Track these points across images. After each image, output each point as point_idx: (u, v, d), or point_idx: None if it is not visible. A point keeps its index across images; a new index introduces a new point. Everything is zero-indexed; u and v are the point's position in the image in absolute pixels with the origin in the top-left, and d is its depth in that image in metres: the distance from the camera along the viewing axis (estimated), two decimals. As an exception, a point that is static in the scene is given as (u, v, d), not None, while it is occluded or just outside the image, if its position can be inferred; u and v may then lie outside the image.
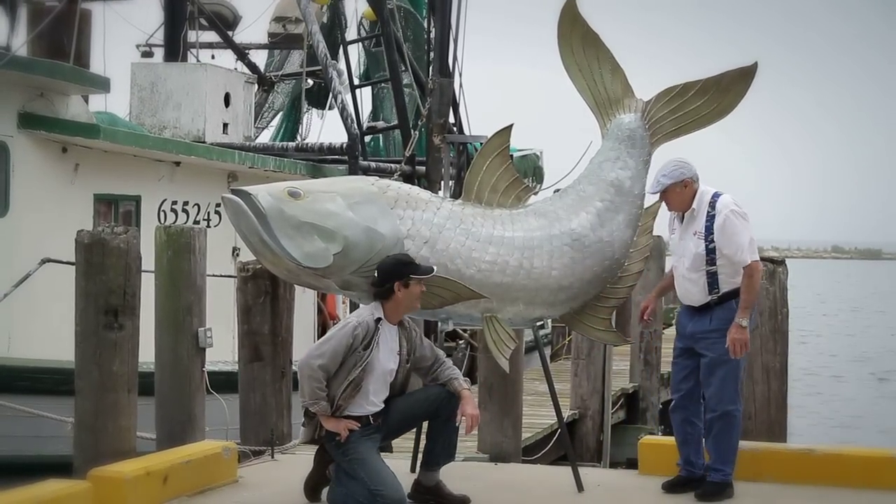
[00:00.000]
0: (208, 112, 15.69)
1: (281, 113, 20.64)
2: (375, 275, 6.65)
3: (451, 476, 7.16)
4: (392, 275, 6.63)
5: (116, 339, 7.81)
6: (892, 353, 37.18)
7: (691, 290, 7.15)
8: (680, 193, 7.15)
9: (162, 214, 13.49)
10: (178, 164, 13.70)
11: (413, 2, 19.54)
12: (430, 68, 16.80)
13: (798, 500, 7.31)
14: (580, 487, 7.42)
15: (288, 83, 20.33)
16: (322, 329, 15.02)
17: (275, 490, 7.45)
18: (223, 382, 9.80)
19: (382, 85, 18.72)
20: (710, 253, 7.04)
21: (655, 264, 13.86)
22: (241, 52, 19.38)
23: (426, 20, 18.58)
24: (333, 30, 18.79)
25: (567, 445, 8.10)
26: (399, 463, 7.32)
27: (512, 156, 7.51)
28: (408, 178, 14.81)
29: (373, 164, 16.08)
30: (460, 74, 17.22)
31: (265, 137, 19.84)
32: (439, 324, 7.61)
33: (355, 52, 19.33)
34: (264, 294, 8.90)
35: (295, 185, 6.77)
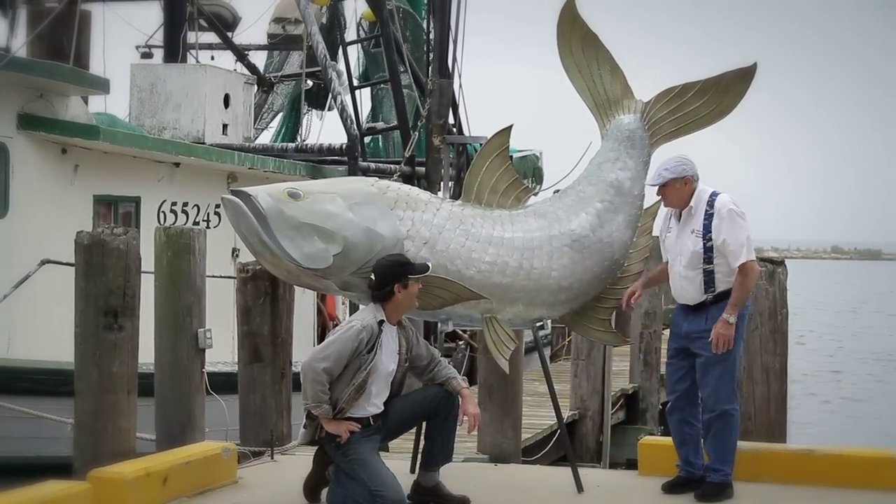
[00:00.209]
0: (208, 113, 15.69)
1: (280, 114, 20.64)
2: (372, 278, 6.65)
3: (451, 477, 7.16)
4: (390, 277, 6.63)
5: (116, 340, 7.82)
6: (892, 354, 37.19)
7: (687, 289, 7.16)
8: (679, 190, 7.16)
9: (161, 215, 13.49)
10: (177, 165, 13.71)
11: (412, 2, 19.53)
12: (430, 69, 16.80)
13: (798, 501, 7.31)
14: (580, 488, 7.41)
15: (287, 84, 20.33)
16: (322, 330, 15.02)
17: (274, 491, 7.45)
18: (223, 383, 9.80)
19: (382, 86, 18.72)
20: (708, 251, 7.05)
21: (655, 265, 13.84)
22: (241, 53, 19.38)
23: (425, 21, 18.58)
24: (333, 31, 18.79)
25: (567, 446, 8.10)
26: (399, 464, 7.32)
27: (511, 156, 7.51)
28: (407, 179, 14.81)
29: (372, 165, 16.09)
30: (460, 75, 17.25)
31: (265, 138, 19.85)
32: (439, 324, 7.61)
33: (354, 53, 19.36)
34: (264, 295, 8.90)
35: (295, 186, 6.76)
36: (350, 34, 18.94)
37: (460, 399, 6.85)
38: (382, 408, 6.76)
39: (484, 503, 7.13)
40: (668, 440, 7.59)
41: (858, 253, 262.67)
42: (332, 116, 17.60)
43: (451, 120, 16.88)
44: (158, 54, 18.05)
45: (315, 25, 16.67)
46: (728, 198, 7.11)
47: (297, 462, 7.95)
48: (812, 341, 40.66)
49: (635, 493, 7.52)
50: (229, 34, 19.26)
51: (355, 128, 15.95)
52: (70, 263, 8.33)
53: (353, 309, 8.31)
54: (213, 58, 19.07)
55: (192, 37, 17.92)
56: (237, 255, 13.49)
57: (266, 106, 20.28)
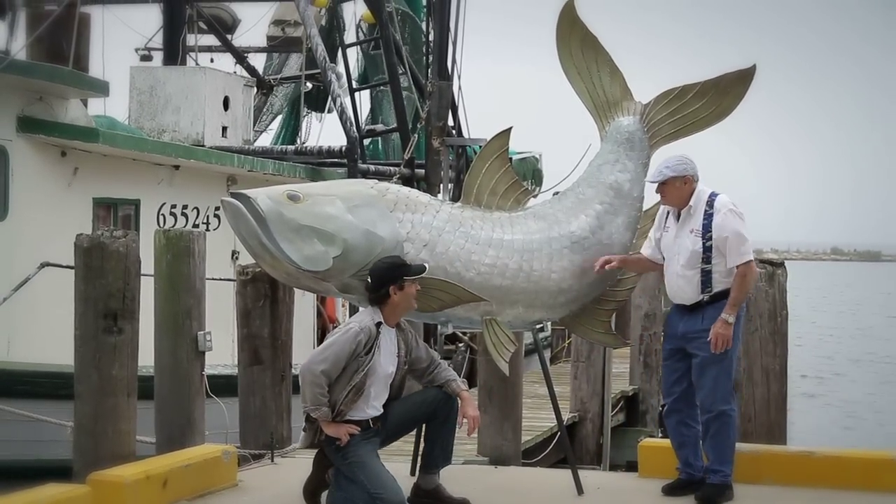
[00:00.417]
0: (207, 115, 15.70)
1: (280, 116, 20.64)
2: (369, 280, 6.64)
3: (451, 479, 7.16)
4: (386, 279, 6.62)
5: (116, 343, 7.82)
6: (892, 355, 37.17)
7: (684, 288, 7.16)
8: (679, 189, 7.16)
9: (161, 218, 13.48)
10: (177, 167, 13.69)
11: (411, 4, 19.54)
12: (429, 71, 16.80)
13: (798, 503, 7.31)
14: (580, 490, 7.41)
15: (287, 86, 20.33)
16: (321, 332, 15.01)
17: (274, 494, 7.45)
18: (223, 386, 9.80)
19: (381, 88, 18.72)
20: (707, 251, 7.06)
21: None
22: (240, 56, 19.39)
23: (424, 23, 18.58)
24: (332, 33, 18.78)
25: (567, 448, 8.10)
26: (398, 466, 7.31)
27: (511, 158, 7.51)
28: (407, 181, 14.80)
29: (372, 167, 16.09)
30: (459, 77, 17.25)
31: (264, 141, 19.87)
32: (439, 327, 7.61)
33: (354, 55, 19.36)
34: (264, 297, 8.90)
35: (294, 189, 6.76)
36: (349, 36, 18.95)
37: (460, 401, 6.85)
38: (382, 410, 6.76)
39: (484, 505, 7.13)
40: (668, 442, 7.58)
41: (858, 254, 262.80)
42: (332, 119, 17.62)
43: (450, 122, 16.89)
44: (158, 57, 18.07)
45: (314, 27, 16.68)
46: (727, 198, 7.14)
47: (297, 465, 7.94)
48: (812, 343, 40.65)
49: (635, 495, 7.52)
50: (229, 37, 19.27)
51: (355, 130, 15.96)
52: (70, 266, 8.32)
53: (353, 311, 8.29)
54: (212, 60, 19.09)
55: (191, 39, 17.95)
56: (237, 258, 13.49)
57: (265, 108, 20.28)
